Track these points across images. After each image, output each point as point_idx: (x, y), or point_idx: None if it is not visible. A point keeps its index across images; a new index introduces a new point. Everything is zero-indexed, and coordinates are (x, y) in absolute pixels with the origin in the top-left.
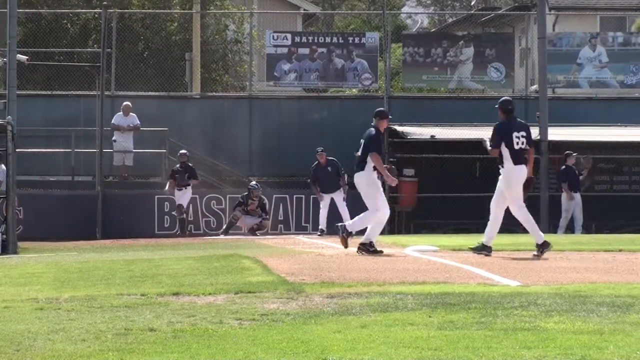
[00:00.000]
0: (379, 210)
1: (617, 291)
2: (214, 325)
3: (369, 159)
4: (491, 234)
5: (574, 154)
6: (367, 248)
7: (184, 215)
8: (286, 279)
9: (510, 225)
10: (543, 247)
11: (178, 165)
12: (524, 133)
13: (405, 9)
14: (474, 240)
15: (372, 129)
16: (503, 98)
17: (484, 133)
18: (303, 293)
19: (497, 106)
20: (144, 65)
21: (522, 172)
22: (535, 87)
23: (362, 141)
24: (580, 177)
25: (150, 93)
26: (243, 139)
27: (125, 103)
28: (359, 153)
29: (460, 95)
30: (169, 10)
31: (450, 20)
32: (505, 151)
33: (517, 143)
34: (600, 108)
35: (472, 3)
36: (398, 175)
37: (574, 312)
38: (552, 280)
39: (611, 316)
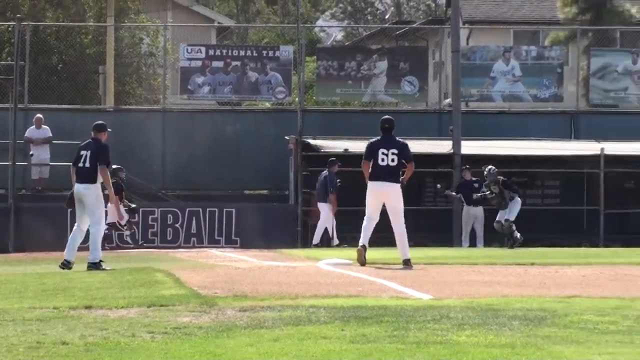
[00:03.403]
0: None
1: (529, 305)
2: (127, 339)
3: None
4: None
5: (467, 166)
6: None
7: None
8: (199, 292)
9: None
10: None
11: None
12: (395, 150)
13: (319, 23)
14: (389, 254)
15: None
16: (383, 117)
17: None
18: (216, 306)
19: None
20: (57, 78)
21: (374, 188)
22: (448, 100)
23: None
24: (479, 195)
25: (64, 106)
26: (156, 152)
27: (37, 115)
28: None
29: (374, 109)
30: (83, 23)
31: (364, 33)
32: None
33: (383, 160)
34: (513, 121)
35: (386, 17)
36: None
37: (486, 326)
38: (464, 293)
39: (523, 330)
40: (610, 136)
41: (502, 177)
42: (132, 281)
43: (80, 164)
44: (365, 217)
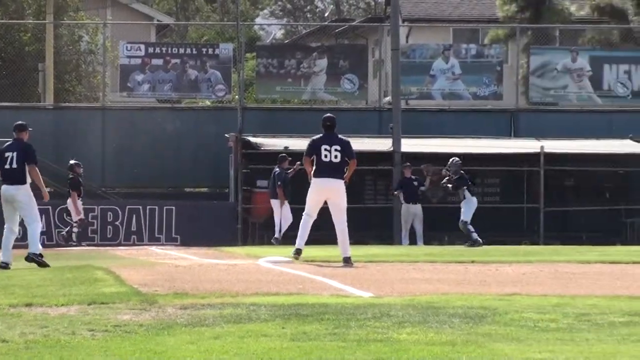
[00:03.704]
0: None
1: (469, 302)
2: (67, 337)
3: None
4: (302, 238)
5: (408, 164)
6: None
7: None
8: (139, 290)
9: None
10: (296, 252)
11: (72, 176)
12: (337, 147)
13: (258, 20)
14: (329, 251)
15: None
16: (325, 115)
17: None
18: (156, 304)
19: None
20: None
21: (318, 184)
22: (388, 98)
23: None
24: (422, 188)
25: (3, 103)
26: (96, 150)
27: None
28: None
29: (314, 107)
30: (22, 21)
31: (304, 31)
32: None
33: (327, 156)
34: (453, 119)
35: (326, 14)
36: (251, 187)
37: (426, 324)
38: (405, 291)
39: (464, 327)
40: (549, 134)
41: (463, 172)
42: (72, 279)
43: (7, 166)
44: (304, 214)
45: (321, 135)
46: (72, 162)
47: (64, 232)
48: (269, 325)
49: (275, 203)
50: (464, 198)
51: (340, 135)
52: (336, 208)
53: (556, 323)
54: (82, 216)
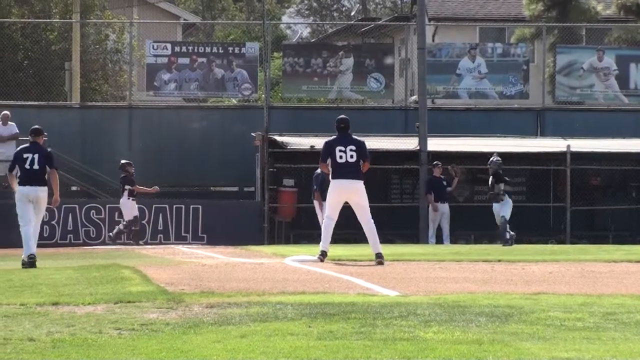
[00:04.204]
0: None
1: (495, 301)
2: (94, 335)
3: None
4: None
5: (438, 163)
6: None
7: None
8: (166, 289)
9: (389, 235)
10: (321, 255)
11: (124, 175)
12: (352, 147)
13: (285, 19)
14: (355, 250)
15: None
16: (338, 117)
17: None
18: (183, 303)
19: None
20: (23, 75)
21: (338, 186)
22: (414, 97)
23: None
24: (449, 189)
25: (29, 102)
26: (123, 149)
27: (3, 112)
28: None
29: (340, 106)
30: (49, 20)
31: (330, 30)
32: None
33: (342, 157)
34: (479, 118)
35: (352, 13)
36: (278, 185)
37: (453, 322)
38: (431, 290)
39: (490, 326)
40: (576, 133)
41: (501, 171)
42: (99, 278)
43: (27, 166)
44: (325, 217)
45: (334, 137)
46: (123, 161)
47: (121, 228)
48: (295, 324)
49: (316, 204)
50: (503, 199)
51: (354, 136)
52: (359, 208)
53: (583, 322)
54: (132, 217)
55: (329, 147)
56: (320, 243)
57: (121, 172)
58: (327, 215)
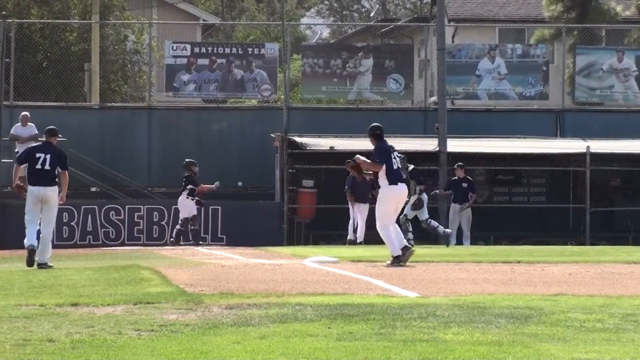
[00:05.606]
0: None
1: (515, 302)
2: (113, 336)
3: None
4: (393, 245)
5: (461, 164)
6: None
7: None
8: (185, 290)
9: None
10: (396, 259)
11: (187, 174)
12: (397, 154)
13: (304, 20)
14: (373, 251)
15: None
16: (372, 124)
17: None
18: (202, 304)
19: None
20: (43, 76)
21: (398, 193)
22: (434, 98)
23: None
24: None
25: (49, 103)
26: (142, 150)
27: (23, 113)
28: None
29: (359, 107)
30: (68, 21)
31: (349, 31)
32: (383, 171)
33: (395, 163)
34: (499, 119)
35: (372, 14)
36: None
37: (472, 324)
38: (450, 291)
39: (510, 327)
40: (596, 134)
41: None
42: (118, 279)
43: (39, 166)
44: (382, 226)
45: (385, 142)
46: (188, 160)
47: (179, 227)
48: (314, 325)
49: (350, 205)
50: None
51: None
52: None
53: (602, 323)
54: (190, 215)
55: (389, 153)
56: (390, 249)
57: (184, 171)
58: (385, 225)
